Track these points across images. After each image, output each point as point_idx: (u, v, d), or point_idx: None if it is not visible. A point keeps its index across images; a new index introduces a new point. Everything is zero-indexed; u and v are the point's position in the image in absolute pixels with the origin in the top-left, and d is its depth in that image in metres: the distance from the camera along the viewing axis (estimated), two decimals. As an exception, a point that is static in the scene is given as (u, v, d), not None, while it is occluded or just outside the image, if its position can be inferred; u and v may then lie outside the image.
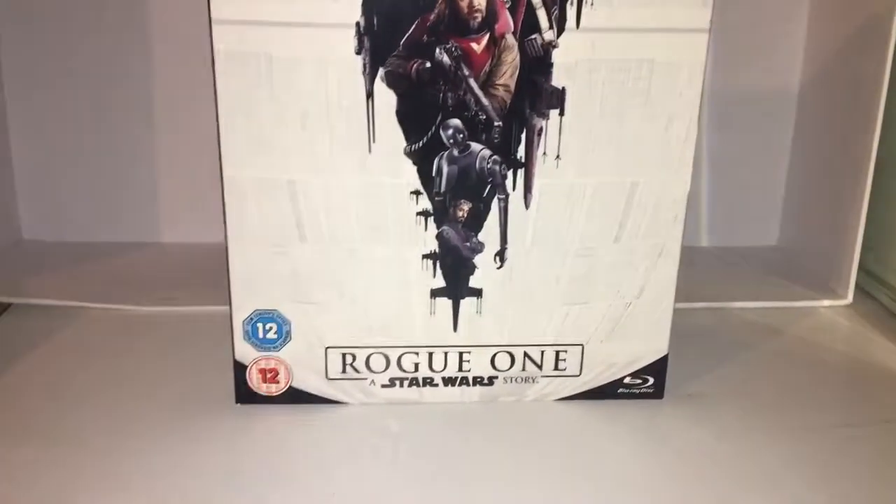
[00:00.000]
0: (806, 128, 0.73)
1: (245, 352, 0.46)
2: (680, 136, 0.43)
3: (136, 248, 0.74)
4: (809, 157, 0.73)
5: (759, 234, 0.78)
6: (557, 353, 0.47)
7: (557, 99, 0.42)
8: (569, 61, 0.41)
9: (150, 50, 0.71)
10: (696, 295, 0.64)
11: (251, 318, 0.46)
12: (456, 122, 0.42)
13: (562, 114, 0.42)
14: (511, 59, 0.42)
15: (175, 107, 0.72)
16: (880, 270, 0.67)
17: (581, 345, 0.47)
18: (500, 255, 0.45)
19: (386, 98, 0.41)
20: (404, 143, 0.42)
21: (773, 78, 0.73)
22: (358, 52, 0.41)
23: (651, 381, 0.49)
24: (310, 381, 0.47)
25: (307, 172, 0.43)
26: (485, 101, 0.42)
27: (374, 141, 0.42)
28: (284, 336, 0.46)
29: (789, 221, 0.76)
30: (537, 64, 0.41)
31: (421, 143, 0.42)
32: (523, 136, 0.42)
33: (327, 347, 0.46)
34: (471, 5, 0.40)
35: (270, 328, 0.46)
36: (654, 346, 0.48)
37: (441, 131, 0.42)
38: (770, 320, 0.62)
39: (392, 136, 0.42)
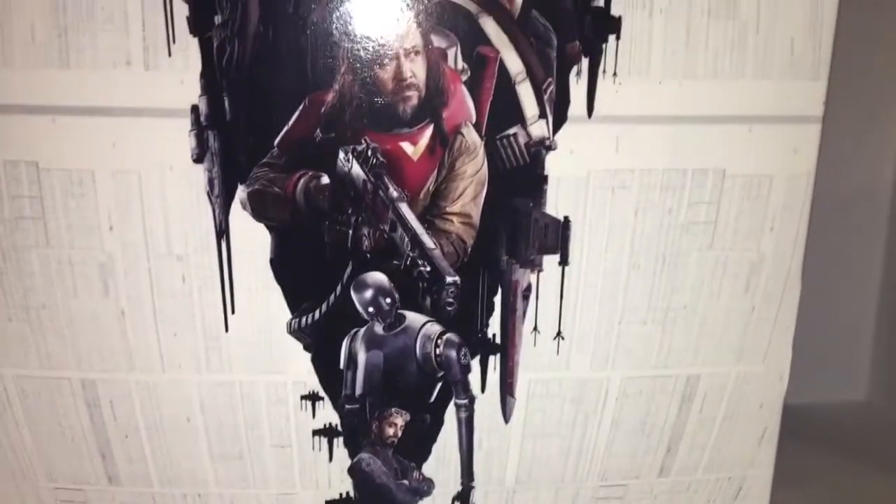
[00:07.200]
0: None
1: None
2: (770, 295, 0.26)
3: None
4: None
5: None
6: None
7: (556, 237, 0.25)
8: (575, 173, 0.23)
9: None
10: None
11: None
12: (378, 277, 0.25)
13: (564, 262, 0.25)
14: (473, 171, 0.24)
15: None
16: None
17: None
18: (463, 499, 0.27)
19: (251, 237, 0.24)
20: (287, 315, 0.24)
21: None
22: (198, 160, 0.23)
23: None
24: None
25: (107, 368, 0.24)
26: (428, 241, 0.24)
27: (232, 311, 0.24)
28: None
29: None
30: (519, 177, 0.23)
31: (317, 313, 0.25)
32: (498, 300, 0.25)
33: None
34: (399, 75, 0.23)
35: None
36: None
37: (353, 294, 0.25)
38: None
39: (264, 300, 0.25)
